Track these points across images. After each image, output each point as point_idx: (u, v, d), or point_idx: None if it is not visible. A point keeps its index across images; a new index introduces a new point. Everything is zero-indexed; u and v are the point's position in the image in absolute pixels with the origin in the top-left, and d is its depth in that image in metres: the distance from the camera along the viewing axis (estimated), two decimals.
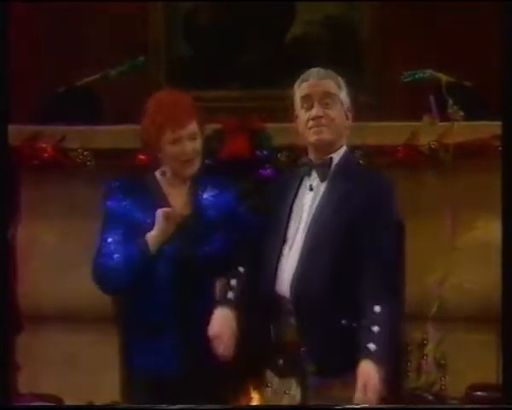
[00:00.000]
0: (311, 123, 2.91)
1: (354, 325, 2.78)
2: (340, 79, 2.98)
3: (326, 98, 2.91)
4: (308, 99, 2.92)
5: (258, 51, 4.54)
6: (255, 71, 4.46)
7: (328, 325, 2.79)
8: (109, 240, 2.97)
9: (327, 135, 2.92)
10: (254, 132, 3.99)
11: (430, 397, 3.94)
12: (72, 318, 4.06)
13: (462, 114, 3.92)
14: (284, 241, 2.92)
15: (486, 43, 4.04)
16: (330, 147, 2.94)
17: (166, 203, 3.02)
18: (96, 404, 3.84)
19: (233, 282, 3.04)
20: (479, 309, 3.91)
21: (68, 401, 3.92)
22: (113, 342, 3.69)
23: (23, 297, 4.11)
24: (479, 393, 3.90)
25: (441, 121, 3.97)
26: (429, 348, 3.98)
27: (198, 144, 3.02)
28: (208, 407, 2.84)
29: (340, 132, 2.95)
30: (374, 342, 2.73)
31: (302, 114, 2.94)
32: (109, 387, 3.85)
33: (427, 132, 3.96)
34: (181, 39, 4.59)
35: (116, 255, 2.94)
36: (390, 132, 3.97)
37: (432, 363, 3.98)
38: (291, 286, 2.84)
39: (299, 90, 2.97)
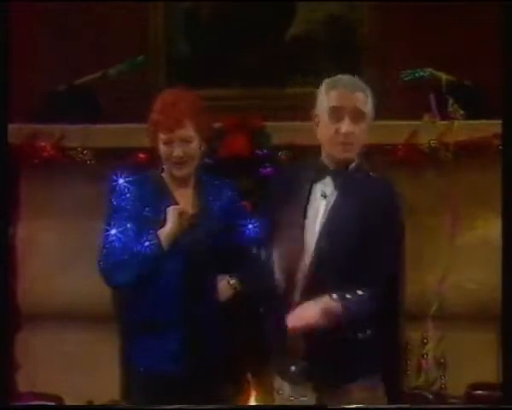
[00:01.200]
0: (340, 138, 2.83)
1: (368, 332, 2.79)
2: (368, 90, 2.91)
3: (357, 114, 2.85)
4: (339, 111, 2.84)
5: (257, 50, 4.54)
6: (255, 70, 4.46)
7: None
8: (117, 235, 2.96)
9: (353, 153, 2.88)
10: (254, 131, 3.99)
11: (430, 396, 3.93)
12: (71, 316, 4.06)
13: (462, 112, 3.93)
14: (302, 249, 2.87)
15: (486, 42, 4.04)
16: (352, 160, 2.92)
17: (174, 201, 3.03)
18: (96, 403, 3.83)
19: (233, 281, 3.04)
20: (478, 308, 3.91)
21: (68, 400, 3.92)
22: (113, 341, 3.68)
23: (22, 296, 4.11)
24: (478, 392, 3.90)
25: (441, 120, 3.97)
26: (429, 346, 3.98)
27: (192, 148, 3.01)
28: (208, 407, 2.83)
29: (361, 147, 2.92)
30: (339, 296, 2.73)
31: (328, 123, 2.86)
32: (109, 386, 3.85)
33: (428, 131, 3.96)
34: (181, 39, 4.59)
35: (126, 250, 2.94)
36: (390, 131, 3.97)
37: (432, 362, 3.98)
38: (301, 291, 2.82)
39: (329, 97, 2.87)
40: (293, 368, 2.87)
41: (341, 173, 2.89)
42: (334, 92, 2.87)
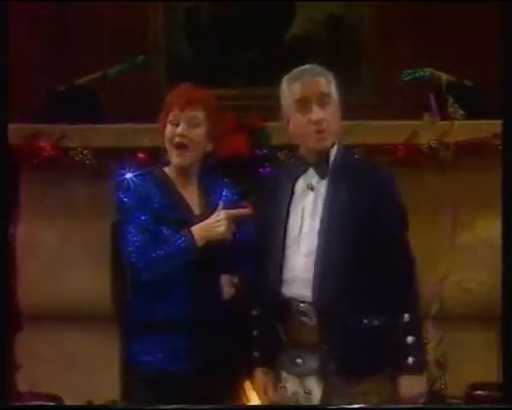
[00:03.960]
0: (313, 127, 2.81)
1: (375, 323, 2.79)
2: (328, 73, 2.87)
3: (322, 98, 2.82)
4: (304, 101, 2.82)
5: (257, 50, 4.54)
6: (255, 69, 4.47)
7: (351, 325, 2.78)
8: (137, 232, 2.94)
9: (329, 139, 2.85)
10: (254, 131, 3.99)
11: (430, 396, 3.93)
12: (71, 316, 4.06)
13: (462, 112, 3.93)
14: (284, 242, 2.88)
15: (487, 42, 4.05)
16: (329, 146, 2.91)
17: (183, 199, 3.02)
18: (96, 403, 3.83)
19: (235, 280, 3.04)
20: (479, 308, 3.91)
21: (68, 400, 3.92)
22: (113, 341, 3.70)
23: (23, 296, 4.11)
24: (479, 392, 3.90)
25: (441, 120, 3.97)
26: (429, 347, 3.96)
27: (197, 133, 2.99)
28: (208, 407, 2.82)
29: (337, 131, 2.92)
30: (411, 355, 2.78)
31: (298, 117, 2.83)
32: (109, 386, 3.85)
33: (428, 131, 3.96)
34: (181, 39, 4.60)
35: (151, 247, 2.92)
36: (390, 131, 3.97)
37: (432, 362, 3.97)
38: (313, 287, 2.79)
39: (292, 91, 2.85)
40: (299, 361, 2.88)
41: (324, 163, 2.87)
42: (296, 85, 2.84)
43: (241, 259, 3.06)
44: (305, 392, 2.85)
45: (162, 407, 2.76)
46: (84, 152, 4.02)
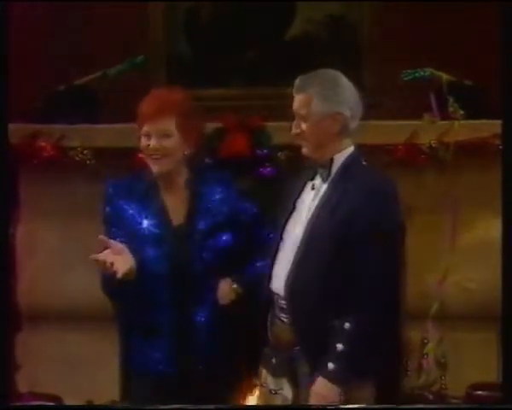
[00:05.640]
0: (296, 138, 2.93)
1: (347, 326, 2.77)
2: (315, 88, 2.86)
3: (300, 115, 2.88)
4: (295, 113, 2.93)
5: (258, 50, 4.54)
6: (256, 69, 4.47)
7: (322, 325, 2.77)
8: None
9: (305, 149, 2.91)
10: (254, 131, 3.99)
11: (430, 396, 3.94)
12: (71, 317, 4.07)
13: (462, 112, 3.93)
14: (281, 238, 2.91)
15: (486, 42, 4.04)
16: (316, 154, 2.92)
17: (164, 208, 3.00)
18: (96, 403, 3.84)
19: (235, 285, 3.04)
20: (479, 308, 3.91)
21: (68, 401, 3.92)
22: (113, 341, 3.68)
23: (23, 296, 4.11)
24: (479, 392, 3.90)
25: (442, 120, 3.97)
26: (429, 347, 3.98)
27: (170, 143, 2.94)
28: (208, 407, 2.82)
29: (321, 142, 2.90)
30: (334, 362, 2.73)
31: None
32: (108, 386, 3.85)
33: (428, 131, 3.96)
34: (181, 38, 4.60)
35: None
36: (390, 131, 3.98)
37: (432, 362, 3.98)
38: (285, 284, 2.83)
39: None
40: (273, 360, 2.89)
41: (326, 166, 2.90)
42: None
43: (237, 263, 3.05)
44: (276, 392, 2.87)
45: (162, 407, 2.77)
46: (84, 152, 4.02)
